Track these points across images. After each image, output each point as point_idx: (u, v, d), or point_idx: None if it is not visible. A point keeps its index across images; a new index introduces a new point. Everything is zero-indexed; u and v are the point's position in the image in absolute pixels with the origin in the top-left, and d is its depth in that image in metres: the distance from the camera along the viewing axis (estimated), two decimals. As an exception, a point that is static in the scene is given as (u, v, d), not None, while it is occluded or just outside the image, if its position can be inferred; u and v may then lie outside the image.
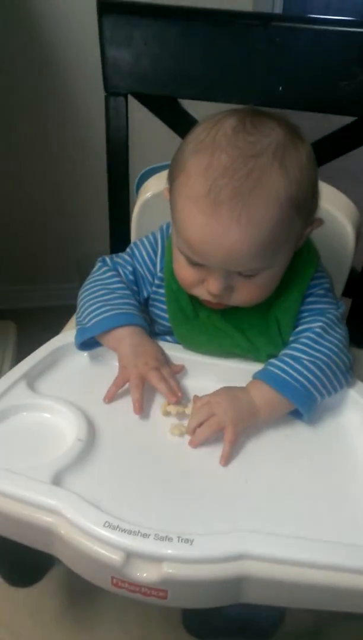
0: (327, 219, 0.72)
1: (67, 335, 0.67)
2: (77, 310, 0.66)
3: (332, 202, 0.74)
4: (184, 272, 0.60)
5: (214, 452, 0.55)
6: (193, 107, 0.80)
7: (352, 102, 0.72)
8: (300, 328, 0.63)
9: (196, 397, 0.59)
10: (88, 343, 0.64)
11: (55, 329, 0.73)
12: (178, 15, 0.75)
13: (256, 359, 0.65)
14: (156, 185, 0.77)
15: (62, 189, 1.54)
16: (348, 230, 0.73)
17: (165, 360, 0.63)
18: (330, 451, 0.57)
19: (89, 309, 0.64)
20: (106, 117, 0.80)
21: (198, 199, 0.52)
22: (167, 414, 0.59)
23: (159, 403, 0.60)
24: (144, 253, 0.69)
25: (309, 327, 0.62)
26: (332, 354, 0.59)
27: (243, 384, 0.60)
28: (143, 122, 0.81)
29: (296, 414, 0.59)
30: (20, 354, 0.74)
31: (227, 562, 0.44)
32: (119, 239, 0.85)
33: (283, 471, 0.54)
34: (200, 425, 0.56)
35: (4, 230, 1.55)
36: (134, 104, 0.80)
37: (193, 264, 0.58)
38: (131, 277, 0.68)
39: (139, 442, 0.56)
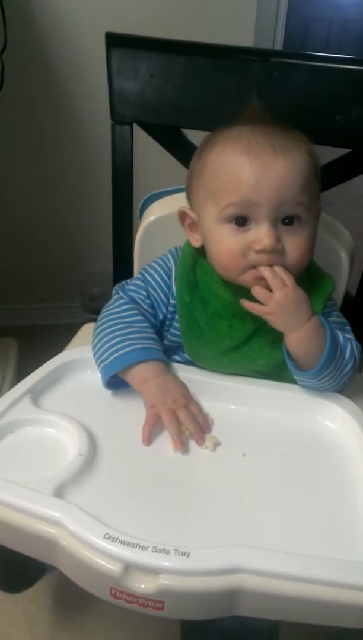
0: (323, 247, 0.75)
1: (71, 353, 0.69)
2: (94, 344, 0.67)
3: (328, 230, 0.77)
4: (229, 243, 0.62)
5: (213, 469, 0.57)
6: (196, 136, 0.83)
7: (347, 135, 0.75)
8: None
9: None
10: (113, 382, 0.64)
11: (56, 347, 0.74)
12: (182, 49, 0.79)
13: (263, 376, 0.67)
14: (159, 209, 0.80)
15: (66, 210, 1.57)
16: (343, 256, 0.76)
17: (191, 397, 0.64)
18: (324, 469, 0.58)
19: (108, 344, 0.64)
20: (112, 144, 0.83)
21: (241, 148, 0.60)
22: (206, 447, 0.59)
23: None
24: (156, 276, 0.71)
25: (348, 337, 0.66)
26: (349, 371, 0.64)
27: (256, 404, 0.65)
28: (147, 150, 0.84)
29: (296, 369, 0.63)
30: (22, 371, 0.75)
31: (222, 575, 0.45)
32: (123, 260, 0.88)
33: (278, 488, 0.56)
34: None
35: (7, 248, 1.57)
36: (138, 132, 0.83)
37: (239, 226, 0.61)
38: (147, 300, 0.70)
39: (139, 457, 0.58)
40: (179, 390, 0.63)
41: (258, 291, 0.61)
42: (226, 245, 0.62)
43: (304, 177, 0.60)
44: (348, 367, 0.64)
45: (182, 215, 0.69)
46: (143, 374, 0.63)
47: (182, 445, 0.58)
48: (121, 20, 1.27)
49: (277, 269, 0.61)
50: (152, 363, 0.64)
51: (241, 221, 0.61)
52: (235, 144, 0.61)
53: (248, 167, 0.59)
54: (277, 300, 0.60)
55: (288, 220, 0.61)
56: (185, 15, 1.38)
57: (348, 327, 0.69)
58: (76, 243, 1.62)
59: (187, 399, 0.62)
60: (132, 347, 0.63)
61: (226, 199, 0.61)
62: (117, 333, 0.65)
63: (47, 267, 1.65)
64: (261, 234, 0.60)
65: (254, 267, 0.62)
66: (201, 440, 0.59)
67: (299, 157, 0.60)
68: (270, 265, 0.61)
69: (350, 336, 0.67)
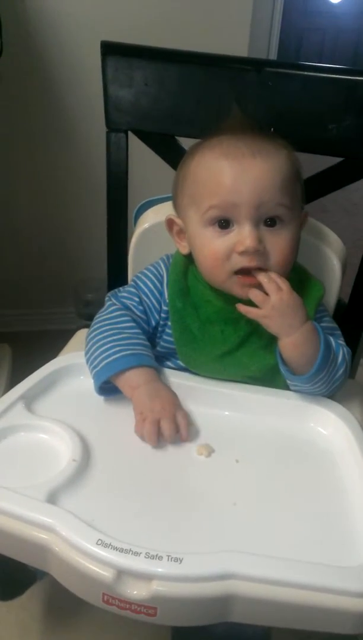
0: (316, 254, 0.76)
1: (65, 359, 0.70)
2: (86, 350, 0.67)
3: (321, 238, 0.78)
4: (213, 246, 0.63)
5: (206, 475, 0.57)
6: (190, 144, 0.84)
7: (339, 143, 0.76)
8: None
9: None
10: (106, 388, 0.65)
11: (50, 353, 0.74)
12: (176, 58, 0.79)
13: (255, 381, 0.67)
14: (153, 216, 0.80)
15: (60, 215, 1.58)
16: (335, 263, 0.77)
17: (180, 405, 0.63)
18: (316, 476, 0.59)
19: (99, 350, 0.65)
20: (107, 151, 0.83)
21: (221, 152, 0.62)
22: (200, 454, 0.60)
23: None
24: (149, 283, 0.71)
25: (340, 343, 0.66)
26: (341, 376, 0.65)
27: (249, 410, 0.65)
28: (141, 157, 0.85)
29: (288, 373, 0.64)
30: (15, 377, 0.75)
31: (214, 581, 0.45)
32: (117, 267, 0.88)
33: (271, 494, 0.56)
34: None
35: (1, 254, 1.57)
36: (133, 140, 0.84)
37: (221, 228, 0.62)
38: (140, 307, 0.70)
39: (132, 463, 0.58)
40: (168, 398, 0.63)
41: (255, 294, 0.62)
42: (210, 248, 0.63)
43: (284, 178, 0.61)
44: (340, 372, 0.65)
45: (170, 223, 0.70)
46: (133, 380, 0.63)
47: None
48: (116, 29, 1.28)
49: (272, 274, 0.62)
50: (143, 369, 0.64)
51: (224, 223, 0.62)
52: (215, 149, 0.63)
53: (227, 169, 0.61)
54: (273, 304, 0.61)
55: (270, 222, 0.62)
56: (180, 24, 1.39)
57: (339, 333, 0.70)
58: (70, 249, 1.62)
59: (175, 407, 0.62)
60: (124, 353, 0.64)
61: (207, 201, 0.62)
62: (108, 339, 0.65)
63: (41, 273, 1.65)
64: (243, 235, 0.61)
65: (239, 273, 0.62)
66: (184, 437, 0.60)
67: (278, 159, 0.62)
68: (258, 268, 0.62)
69: (341, 342, 0.68)
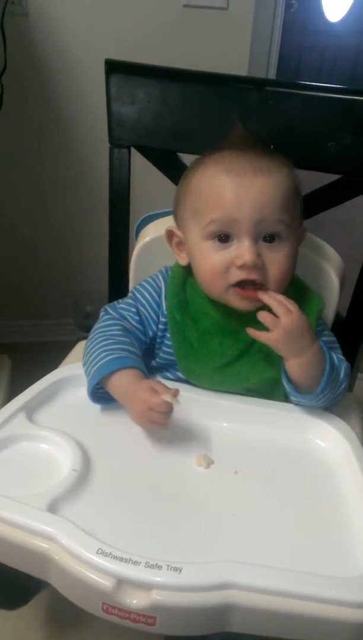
0: (315, 269, 0.77)
1: (65, 370, 0.70)
2: (83, 361, 0.68)
3: (319, 252, 0.79)
4: (212, 260, 0.64)
5: (205, 486, 0.58)
6: (191, 160, 0.85)
7: (338, 161, 0.78)
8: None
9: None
10: (100, 396, 0.65)
11: (49, 364, 0.75)
12: (178, 77, 0.81)
13: (254, 393, 0.68)
14: (154, 230, 0.81)
15: (61, 228, 1.59)
16: (333, 278, 0.78)
17: (154, 385, 0.61)
18: (314, 487, 0.59)
19: (91, 357, 0.66)
20: (110, 166, 0.85)
21: (223, 168, 0.63)
22: (199, 464, 0.60)
23: (156, 437, 0.62)
24: (147, 295, 0.72)
25: (339, 358, 0.67)
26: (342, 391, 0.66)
27: (248, 422, 0.66)
28: (143, 172, 0.86)
29: (293, 390, 0.65)
30: (14, 388, 0.76)
31: (213, 591, 0.46)
32: (118, 279, 0.89)
33: (269, 505, 0.56)
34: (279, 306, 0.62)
35: (1, 266, 1.58)
36: (136, 155, 0.85)
37: (221, 242, 0.63)
38: (136, 317, 0.71)
39: (133, 473, 0.58)
40: (142, 391, 0.60)
41: (264, 316, 0.62)
42: (209, 261, 0.64)
43: (284, 195, 0.63)
44: (342, 387, 0.66)
45: (169, 235, 0.71)
46: (119, 385, 0.63)
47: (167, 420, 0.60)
48: (119, 46, 1.31)
49: (279, 296, 0.63)
50: (127, 371, 0.64)
51: (224, 237, 0.63)
52: (217, 164, 0.64)
53: (229, 185, 0.62)
54: (284, 326, 0.61)
55: (269, 238, 0.63)
56: (181, 41, 1.42)
57: (337, 346, 0.71)
58: (70, 261, 1.63)
59: (150, 392, 0.60)
60: (109, 357, 0.64)
61: (208, 215, 0.63)
62: (98, 346, 0.66)
63: (41, 285, 1.66)
64: (242, 249, 0.62)
65: (237, 285, 0.63)
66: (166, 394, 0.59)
67: (279, 176, 0.63)
68: (253, 282, 0.63)
69: (341, 356, 0.68)
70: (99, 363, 0.64)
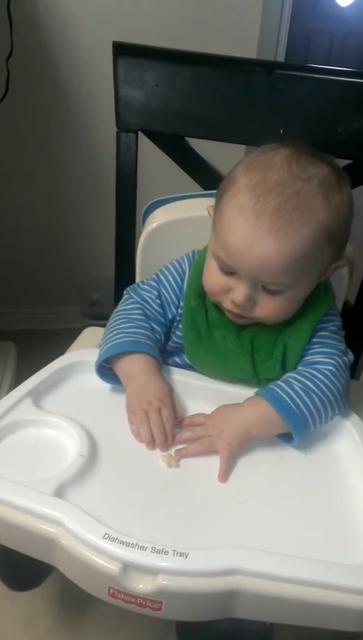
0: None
1: (72, 356, 0.70)
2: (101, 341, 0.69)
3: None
4: (214, 279, 0.63)
5: (211, 472, 0.57)
6: (199, 145, 0.84)
7: (348, 146, 0.76)
8: (311, 358, 0.66)
9: (194, 415, 0.63)
10: (106, 373, 0.66)
11: (55, 351, 0.75)
12: (187, 60, 0.80)
13: (256, 383, 0.68)
14: (161, 216, 0.81)
15: (68, 215, 1.58)
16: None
17: (168, 402, 0.63)
18: (320, 475, 0.59)
19: (108, 336, 0.67)
20: (117, 151, 0.84)
21: (243, 208, 0.57)
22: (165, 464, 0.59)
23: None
24: (170, 278, 0.72)
25: (323, 360, 0.65)
26: (335, 396, 0.62)
27: None
28: (150, 157, 0.85)
29: (286, 439, 0.62)
30: (20, 375, 0.76)
31: (219, 577, 0.46)
32: (125, 266, 0.88)
33: (275, 492, 0.57)
34: (193, 440, 0.60)
35: (7, 251, 1.58)
36: (143, 139, 0.84)
37: (224, 271, 0.62)
38: (157, 300, 0.71)
39: (139, 459, 0.58)
40: (156, 392, 0.63)
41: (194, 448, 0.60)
42: (213, 278, 0.64)
43: (295, 258, 0.58)
44: (335, 409, 0.63)
45: (209, 211, 0.68)
46: (129, 368, 0.64)
47: (152, 446, 0.60)
48: (127, 29, 1.29)
49: (187, 434, 0.61)
50: (140, 356, 0.65)
51: (227, 269, 0.62)
52: (246, 196, 0.58)
53: (238, 235, 0.58)
54: (209, 434, 0.60)
55: (268, 289, 0.61)
56: (190, 25, 1.39)
57: (343, 350, 0.67)
58: (76, 248, 1.63)
59: (162, 403, 0.62)
60: (125, 338, 0.65)
61: (218, 247, 0.61)
62: (117, 328, 0.67)
63: (47, 272, 1.65)
64: (236, 290, 0.61)
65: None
66: (163, 446, 0.60)
67: (296, 238, 0.57)
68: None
69: (344, 361, 0.65)
70: (116, 341, 0.65)
